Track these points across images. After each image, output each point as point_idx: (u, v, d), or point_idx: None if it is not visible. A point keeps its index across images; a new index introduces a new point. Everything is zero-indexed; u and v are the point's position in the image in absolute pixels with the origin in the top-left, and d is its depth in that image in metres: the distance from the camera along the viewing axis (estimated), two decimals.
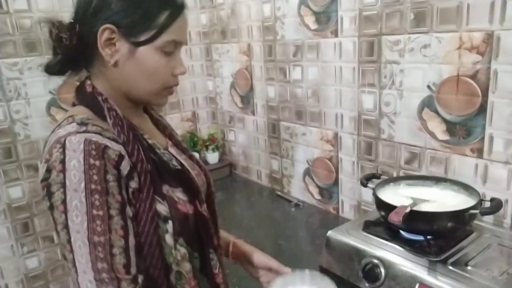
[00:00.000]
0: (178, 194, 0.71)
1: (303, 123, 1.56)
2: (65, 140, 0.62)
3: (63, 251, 0.62)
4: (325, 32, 1.37)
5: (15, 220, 1.61)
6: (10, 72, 1.52)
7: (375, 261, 0.90)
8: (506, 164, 1.00)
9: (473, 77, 1.01)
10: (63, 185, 0.60)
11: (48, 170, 0.61)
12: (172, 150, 0.80)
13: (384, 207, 0.96)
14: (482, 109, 1.01)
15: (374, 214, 1.09)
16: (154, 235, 0.67)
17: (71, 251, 0.61)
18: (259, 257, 0.90)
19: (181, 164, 0.77)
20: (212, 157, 2.03)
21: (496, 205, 0.91)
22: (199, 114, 2.15)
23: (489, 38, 0.96)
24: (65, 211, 0.60)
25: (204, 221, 0.74)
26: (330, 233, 1.03)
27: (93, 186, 0.61)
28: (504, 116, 0.98)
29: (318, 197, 1.59)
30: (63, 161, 0.61)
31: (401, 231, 0.97)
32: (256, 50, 1.69)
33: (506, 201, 1.01)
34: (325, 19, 1.35)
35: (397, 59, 1.17)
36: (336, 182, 1.48)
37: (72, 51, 0.71)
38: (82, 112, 0.70)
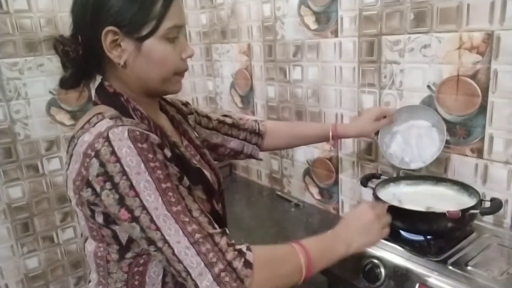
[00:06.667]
0: (198, 193, 0.72)
1: None
2: (107, 133, 0.63)
3: (148, 235, 0.62)
4: (325, 32, 1.36)
5: (15, 220, 1.61)
6: (10, 72, 1.52)
7: (375, 261, 0.90)
8: (506, 164, 1.00)
9: (473, 77, 1.01)
10: (124, 172, 0.61)
11: (102, 164, 0.61)
12: (188, 148, 0.82)
13: None
14: (482, 109, 1.01)
15: None
16: None
17: (157, 228, 0.62)
18: (358, 121, 1.09)
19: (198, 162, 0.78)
20: None
21: (496, 205, 0.91)
22: None
23: (489, 38, 0.96)
24: (137, 194, 0.61)
25: (219, 220, 0.75)
26: None
27: (152, 164, 0.62)
28: (504, 116, 0.98)
29: (318, 197, 1.59)
30: (113, 152, 0.61)
31: (401, 231, 0.97)
32: (256, 50, 1.69)
33: (506, 201, 1.01)
34: (325, 19, 1.35)
35: (397, 59, 1.17)
36: (336, 182, 1.48)
37: (81, 62, 0.72)
38: (107, 110, 0.71)
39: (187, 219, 0.63)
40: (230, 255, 0.64)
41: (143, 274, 0.72)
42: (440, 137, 1.04)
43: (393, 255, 0.90)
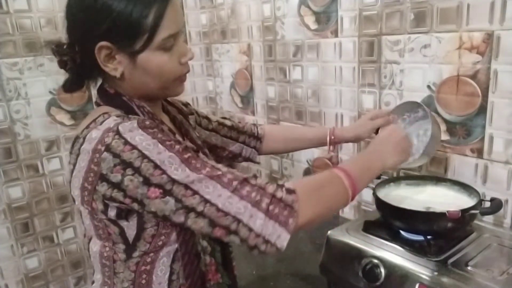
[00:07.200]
0: None
1: (303, 123, 1.56)
2: (117, 128, 0.63)
3: (186, 203, 0.63)
4: (325, 32, 1.37)
5: (15, 220, 1.61)
6: (10, 72, 1.52)
7: (375, 261, 0.90)
8: (506, 164, 1.00)
9: (473, 77, 1.01)
10: (144, 155, 0.62)
11: (116, 155, 0.62)
12: None
13: (384, 207, 0.96)
14: (482, 109, 1.01)
15: (374, 214, 1.09)
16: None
17: (195, 192, 0.63)
18: (355, 127, 1.06)
19: None
20: None
21: (496, 205, 0.91)
22: None
23: (489, 38, 0.96)
24: (164, 172, 0.62)
25: None
26: (330, 233, 1.03)
27: (167, 142, 0.64)
28: (504, 116, 0.98)
29: None
30: (127, 142, 0.62)
31: (401, 231, 0.97)
32: (256, 50, 1.69)
33: (506, 201, 1.01)
34: (325, 19, 1.35)
35: (397, 59, 1.17)
36: None
37: (79, 69, 0.72)
38: (113, 110, 0.71)
39: (219, 173, 0.64)
40: (270, 188, 0.66)
41: (150, 273, 0.72)
42: (427, 133, 0.98)
43: (393, 255, 0.90)
